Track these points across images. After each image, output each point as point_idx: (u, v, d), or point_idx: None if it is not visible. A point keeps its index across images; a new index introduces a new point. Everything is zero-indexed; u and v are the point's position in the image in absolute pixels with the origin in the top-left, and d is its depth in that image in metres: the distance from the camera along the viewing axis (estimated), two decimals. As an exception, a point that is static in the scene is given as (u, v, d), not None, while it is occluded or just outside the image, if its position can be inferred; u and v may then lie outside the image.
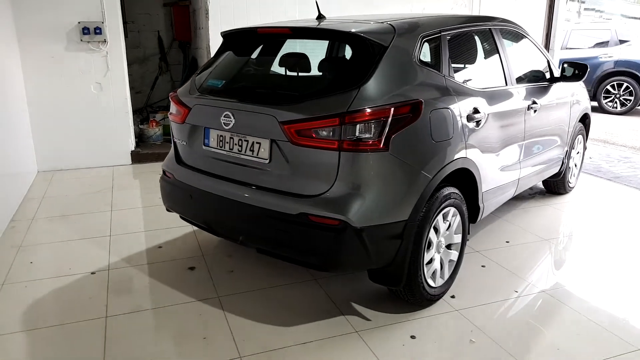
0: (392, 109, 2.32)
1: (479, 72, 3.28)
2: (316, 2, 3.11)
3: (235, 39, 3.03)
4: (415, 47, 2.62)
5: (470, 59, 3.27)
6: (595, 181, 5.37)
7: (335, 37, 2.68)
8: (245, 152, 2.60)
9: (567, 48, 10.35)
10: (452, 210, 2.81)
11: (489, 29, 3.36)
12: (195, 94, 2.86)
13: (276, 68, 2.88)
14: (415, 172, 2.44)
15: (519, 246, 3.68)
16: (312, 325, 2.68)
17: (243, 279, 3.17)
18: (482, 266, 3.36)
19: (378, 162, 2.33)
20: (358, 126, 2.27)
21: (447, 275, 2.91)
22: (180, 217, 3.13)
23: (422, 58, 2.68)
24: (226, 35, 3.06)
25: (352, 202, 2.32)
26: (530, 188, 4.93)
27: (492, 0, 7.34)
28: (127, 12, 6.99)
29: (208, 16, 5.79)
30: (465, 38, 3.14)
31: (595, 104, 9.62)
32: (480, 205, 3.08)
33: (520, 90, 3.46)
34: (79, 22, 5.24)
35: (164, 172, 3.13)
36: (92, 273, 3.24)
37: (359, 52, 2.53)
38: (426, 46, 2.78)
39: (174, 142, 3.09)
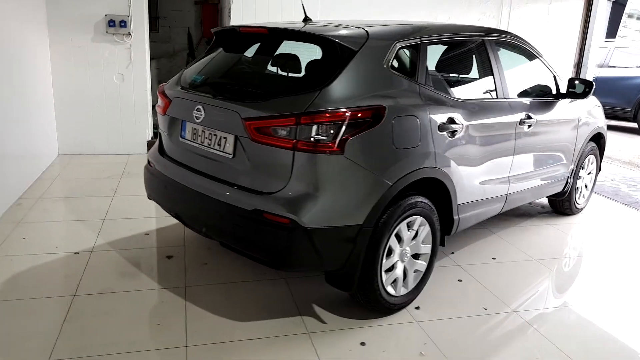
0: (349, 113, 2.32)
1: (463, 83, 3.23)
2: (302, 4, 3.14)
3: (224, 37, 3.10)
4: (388, 53, 2.60)
5: (454, 69, 3.22)
6: (610, 204, 5.14)
7: (308, 40, 2.70)
8: (213, 146, 2.66)
9: (608, 66, 9.93)
10: (419, 219, 2.77)
11: (482, 40, 3.29)
12: (178, 87, 2.95)
13: (253, 66, 2.92)
14: (372, 177, 2.43)
15: (505, 264, 3.57)
16: (267, 322, 2.70)
17: (215, 271, 3.23)
18: (459, 280, 3.29)
19: (332, 164, 2.33)
20: (313, 127, 2.28)
21: (412, 285, 2.87)
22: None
23: (395, 65, 2.66)
24: (216, 32, 3.13)
25: (304, 202, 2.33)
26: (533, 205, 4.79)
27: (522, 12, 7.16)
28: (160, 8, 7.26)
29: (230, 14, 5.93)
30: (450, 48, 3.09)
31: (635, 125, 9.18)
32: (455, 217, 3.02)
33: (513, 104, 3.37)
34: (105, 15, 5.48)
35: (148, 161, 3.23)
36: (76, 253, 3.38)
37: (329, 55, 2.55)
38: (402, 53, 2.76)
39: (159, 134, 3.19)
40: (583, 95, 3.90)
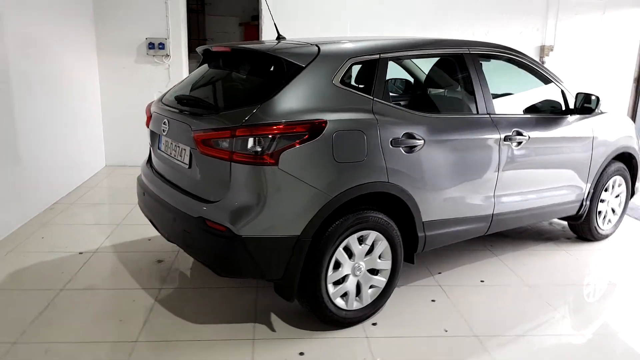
0: (283, 127, 2.41)
1: (431, 98, 3.17)
2: (274, 24, 3.28)
3: (205, 56, 3.31)
4: (339, 69, 2.66)
5: (423, 84, 3.18)
6: (646, 232, 4.70)
7: (261, 57, 2.83)
8: (177, 157, 2.85)
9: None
10: (373, 234, 2.77)
11: (460, 54, 3.22)
12: (159, 103, 3.19)
13: (215, 82, 3.07)
14: (309, 190, 2.48)
15: (492, 288, 3.42)
16: (220, 326, 2.82)
17: (197, 276, 3.41)
18: (432, 300, 3.20)
19: (266, 175, 2.41)
20: (248, 139, 2.39)
21: (367, 301, 2.85)
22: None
23: (346, 80, 2.71)
24: (202, 51, 3.35)
25: (240, 211, 2.44)
26: (554, 225, 4.51)
27: (571, 23, 6.78)
28: (207, 30, 7.74)
29: (261, 34, 6.21)
30: (419, 63, 3.06)
31: None
32: (420, 234, 2.96)
33: (498, 119, 3.25)
34: (146, 38, 5.98)
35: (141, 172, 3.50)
36: (80, 253, 3.72)
37: (278, 71, 2.65)
38: (357, 69, 2.80)
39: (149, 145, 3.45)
40: (588, 111, 3.67)
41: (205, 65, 3.28)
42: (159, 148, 3.12)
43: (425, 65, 4.23)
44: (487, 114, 3.23)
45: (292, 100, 2.50)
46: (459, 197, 3.11)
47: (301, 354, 2.59)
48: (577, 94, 3.72)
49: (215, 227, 2.49)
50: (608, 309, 3.19)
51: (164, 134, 2.90)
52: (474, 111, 3.20)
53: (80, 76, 5.64)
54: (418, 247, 3.00)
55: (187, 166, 2.73)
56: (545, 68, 3.72)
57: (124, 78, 6.10)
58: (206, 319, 2.89)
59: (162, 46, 5.97)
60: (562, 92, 3.76)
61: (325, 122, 2.50)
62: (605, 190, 4.20)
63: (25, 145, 4.34)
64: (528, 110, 3.67)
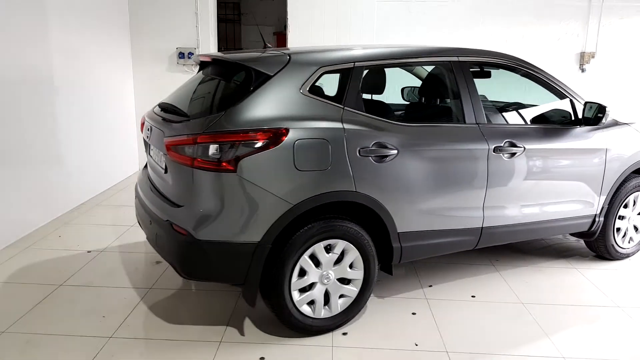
0: (243, 135, 2.46)
1: (411, 107, 3.10)
2: (261, 35, 3.35)
3: (201, 64, 3.42)
4: (308, 78, 2.68)
5: (403, 93, 3.11)
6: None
7: (233, 67, 2.89)
8: (158, 162, 2.98)
9: None
10: (342, 243, 2.76)
11: (449, 62, 3.14)
12: (151, 111, 3.34)
13: (196, 90, 3.15)
14: (269, 197, 2.52)
15: (482, 304, 3.29)
16: (194, 327, 2.91)
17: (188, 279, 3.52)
18: (413, 313, 3.13)
19: (226, 182, 2.48)
20: (208, 146, 2.47)
21: (337, 310, 2.84)
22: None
23: (316, 89, 2.72)
24: (198, 61, 3.48)
25: (199, 216, 2.52)
26: (570, 241, 4.26)
27: (616, 28, 6.38)
28: (244, 40, 7.97)
29: (287, 42, 6.33)
30: (396, 71, 3.00)
31: None
32: (395, 245, 2.91)
33: (487, 130, 3.13)
34: (177, 48, 6.26)
35: (140, 178, 3.68)
36: (88, 252, 3.95)
37: (246, 80, 2.71)
38: (329, 78, 2.81)
39: (147, 151, 3.62)
40: (596, 121, 3.45)
41: (200, 74, 3.40)
42: (148, 153, 3.27)
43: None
44: (476, 124, 3.12)
45: (256, 108, 2.56)
46: (439, 209, 3.02)
47: (262, 358, 2.62)
48: (585, 103, 3.52)
49: (178, 231, 2.58)
50: (604, 337, 2.97)
51: (148, 140, 3.04)
52: (461, 121, 3.10)
53: (117, 83, 6.02)
54: (394, 258, 2.95)
55: (164, 171, 2.85)
56: (552, 77, 3.54)
57: (156, 86, 6.40)
58: (183, 319, 2.99)
59: (190, 55, 6.22)
60: (571, 101, 3.57)
61: (287, 130, 2.53)
62: (625, 207, 3.92)
63: (60, 148, 4.72)
64: (532, 120, 3.51)
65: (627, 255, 4.08)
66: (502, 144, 3.14)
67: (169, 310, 3.09)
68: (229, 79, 2.91)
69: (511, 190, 3.26)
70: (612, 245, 3.95)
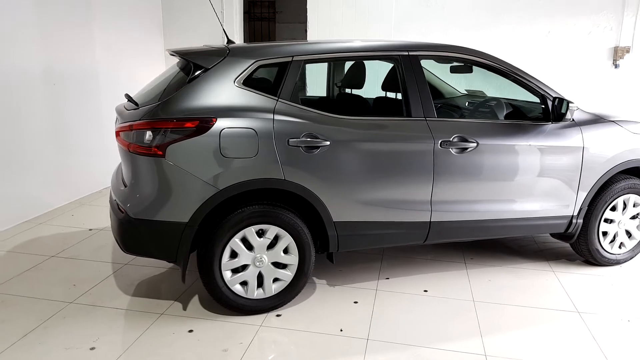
0: (171, 122, 2.68)
1: (348, 101, 3.14)
2: (223, 29, 3.55)
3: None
4: (243, 71, 2.85)
5: (342, 86, 3.16)
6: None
7: (183, 60, 3.10)
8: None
9: None
10: (275, 229, 2.90)
11: (398, 57, 3.15)
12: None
13: (159, 82, 3.38)
14: (196, 181, 2.71)
15: (430, 299, 3.28)
16: (147, 300, 3.17)
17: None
18: (355, 302, 3.20)
19: (155, 166, 2.71)
20: (143, 133, 2.72)
21: (271, 292, 2.99)
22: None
23: (251, 81, 2.87)
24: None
25: (133, 196, 2.79)
26: (559, 244, 4.09)
27: (652, 22, 5.91)
28: (278, 37, 8.23)
29: (307, 37, 6.49)
30: (338, 66, 3.06)
31: None
32: (331, 234, 3.00)
33: (435, 124, 3.12)
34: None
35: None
36: (90, 230, 4.38)
37: (188, 72, 2.93)
38: (265, 71, 2.95)
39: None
40: (558, 117, 3.32)
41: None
42: (122, 141, 3.58)
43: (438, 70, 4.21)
44: (424, 117, 3.12)
45: (189, 98, 2.77)
46: (380, 201, 3.06)
47: (190, 331, 2.83)
48: (554, 99, 3.38)
49: (120, 210, 2.86)
50: (541, 339, 2.86)
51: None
52: (406, 114, 3.12)
53: (149, 77, 6.49)
54: (330, 246, 3.04)
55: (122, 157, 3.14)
56: (521, 71, 3.42)
57: (185, 81, 6.83)
58: (141, 292, 3.28)
59: (214, 53, 6.56)
60: (543, 97, 3.44)
61: (215, 119, 2.71)
62: (613, 209, 3.70)
63: (88, 136, 5.26)
64: (507, 116, 3.43)
65: (618, 262, 3.85)
66: (450, 139, 3.12)
67: (132, 283, 3.39)
68: (182, 72, 3.14)
69: (464, 185, 3.22)
70: (597, 249, 3.74)
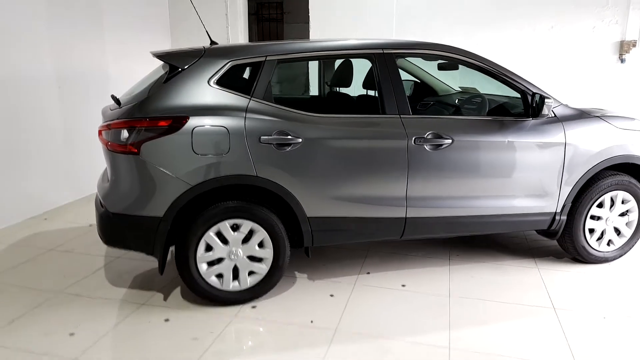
0: (145, 121, 2.80)
1: (321, 99, 3.20)
2: (206, 31, 3.65)
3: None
4: (217, 71, 2.95)
5: (309, 85, 3.22)
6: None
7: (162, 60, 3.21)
8: (108, 146, 3.42)
9: None
10: (249, 224, 2.99)
11: (372, 55, 3.20)
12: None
13: (142, 82, 3.50)
14: (168, 177, 2.83)
15: (406, 293, 3.32)
16: (131, 290, 3.31)
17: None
18: (331, 295, 3.27)
19: (130, 163, 2.84)
20: (119, 131, 2.85)
21: (247, 285, 3.08)
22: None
23: (224, 80, 2.97)
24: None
25: (111, 191, 2.93)
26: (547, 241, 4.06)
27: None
28: (286, 37, 8.33)
29: (310, 36, 6.57)
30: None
31: None
32: (304, 229, 3.08)
33: (409, 121, 3.15)
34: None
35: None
36: (90, 225, 4.57)
37: (165, 72, 3.05)
38: (239, 70, 3.04)
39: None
40: (535, 113, 3.31)
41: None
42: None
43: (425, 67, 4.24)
44: (398, 114, 3.17)
45: (164, 98, 2.88)
46: (354, 197, 3.12)
47: (166, 320, 2.95)
48: (533, 94, 3.36)
49: (101, 205, 3.00)
50: (509, 334, 2.87)
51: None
52: (380, 112, 3.17)
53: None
54: (304, 241, 3.12)
55: (108, 154, 3.28)
56: (500, 67, 3.42)
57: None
58: (126, 283, 3.42)
59: (219, 53, 6.71)
60: (523, 93, 3.43)
61: (187, 118, 2.82)
62: (600, 206, 3.66)
63: (94, 137, 5.44)
64: (491, 112, 3.44)
65: (606, 260, 3.80)
66: (424, 135, 3.15)
67: (120, 275, 3.54)
68: (164, 73, 3.26)
69: (439, 181, 3.25)
70: (583, 247, 3.70)
